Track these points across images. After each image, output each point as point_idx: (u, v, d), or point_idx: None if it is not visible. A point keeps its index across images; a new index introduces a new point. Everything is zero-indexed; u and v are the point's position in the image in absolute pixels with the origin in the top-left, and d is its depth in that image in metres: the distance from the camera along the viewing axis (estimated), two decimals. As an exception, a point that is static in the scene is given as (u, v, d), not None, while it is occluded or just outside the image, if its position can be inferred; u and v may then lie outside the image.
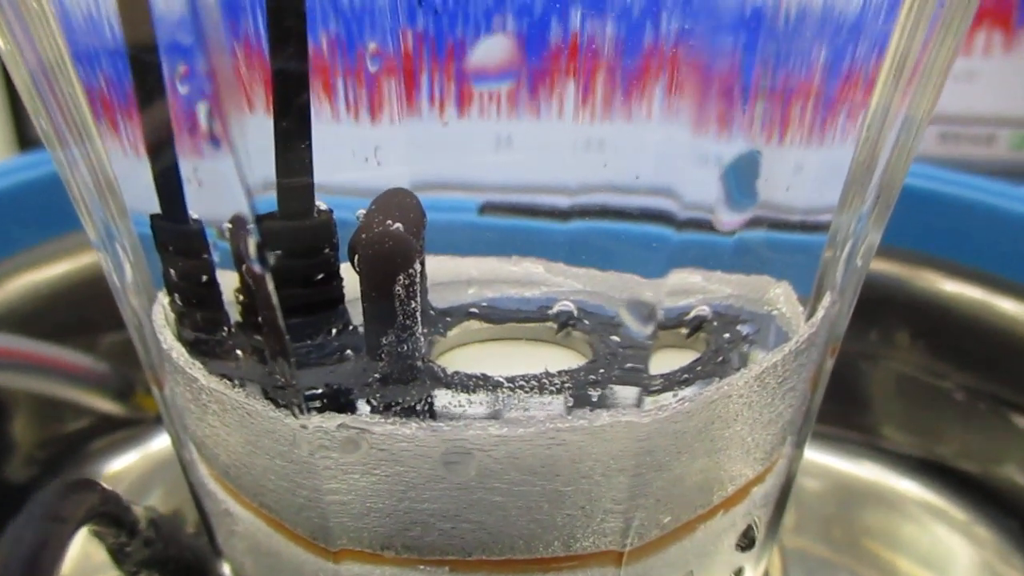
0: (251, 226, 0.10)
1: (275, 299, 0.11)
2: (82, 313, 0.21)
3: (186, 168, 0.12)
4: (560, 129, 0.17)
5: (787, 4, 0.13)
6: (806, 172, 0.14)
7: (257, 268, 0.11)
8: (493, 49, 0.16)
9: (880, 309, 0.15)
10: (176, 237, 0.12)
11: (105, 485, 0.14)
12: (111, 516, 0.14)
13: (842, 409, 0.16)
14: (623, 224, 0.16)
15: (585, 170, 0.17)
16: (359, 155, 0.16)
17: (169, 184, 0.12)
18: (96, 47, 0.12)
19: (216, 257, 0.12)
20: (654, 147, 0.15)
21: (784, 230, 0.15)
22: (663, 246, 0.14)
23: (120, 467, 0.23)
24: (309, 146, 0.13)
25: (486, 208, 0.19)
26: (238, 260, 0.12)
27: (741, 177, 0.13)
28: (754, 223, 0.14)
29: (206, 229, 0.12)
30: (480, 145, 0.18)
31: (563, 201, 0.18)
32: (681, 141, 0.14)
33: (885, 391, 0.22)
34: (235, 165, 0.10)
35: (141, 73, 0.11)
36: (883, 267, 0.20)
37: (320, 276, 0.13)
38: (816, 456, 0.22)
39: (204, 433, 0.14)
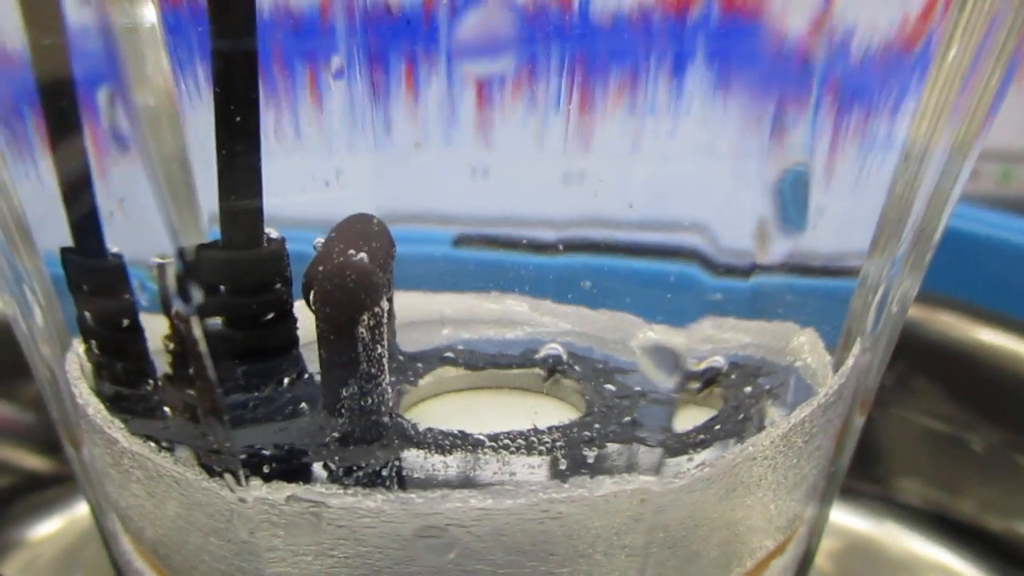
0: (170, 257, 0.08)
1: (203, 345, 0.09)
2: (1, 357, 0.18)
3: (108, 199, 0.10)
4: (541, 160, 0.16)
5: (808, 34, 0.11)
6: (833, 212, 0.13)
7: (180, 307, 0.09)
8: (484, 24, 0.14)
9: (894, 353, 0.14)
10: (92, 274, 0.10)
11: None
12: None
13: (853, 460, 0.14)
14: (638, 262, 0.15)
15: (574, 202, 0.15)
16: (318, 180, 0.14)
17: (83, 211, 0.10)
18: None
19: (143, 299, 0.10)
20: (686, 181, 0.14)
21: (807, 275, 0.13)
22: (696, 289, 0.12)
23: (48, 531, 0.20)
24: (257, 163, 0.11)
25: (461, 240, 0.17)
26: (164, 300, 0.10)
27: (794, 194, 0.11)
28: (773, 267, 0.13)
29: (128, 265, 0.10)
30: (454, 174, 0.16)
31: (549, 234, 0.16)
32: (701, 178, 0.12)
33: (897, 440, 0.21)
34: (153, 190, 0.08)
35: (53, 96, 0.10)
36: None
37: (270, 316, 0.11)
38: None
39: (128, 503, 0.12)
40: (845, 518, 0.20)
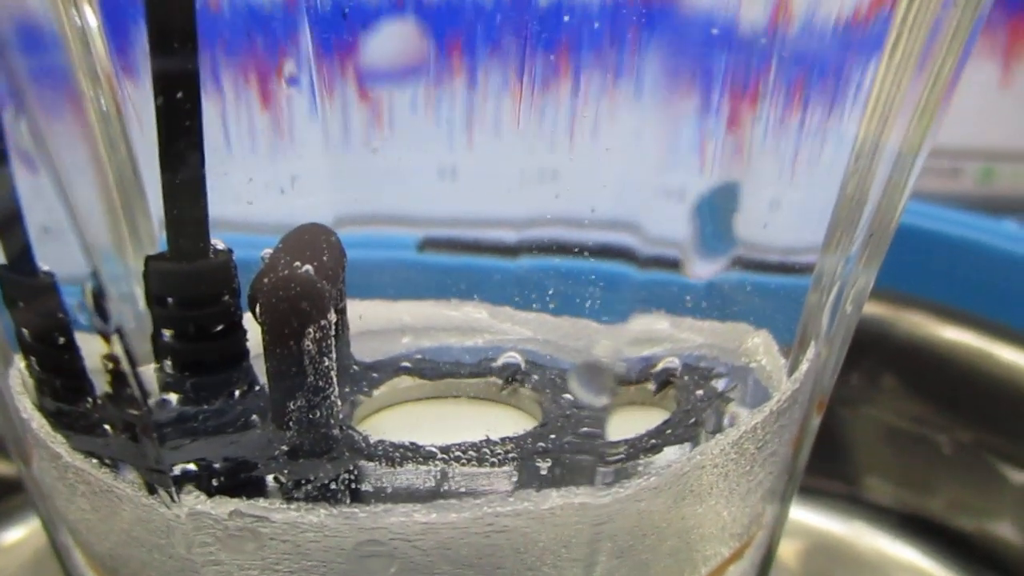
0: (87, 271, 0.08)
1: (127, 362, 0.09)
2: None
3: (44, 214, 0.10)
4: (509, 157, 0.15)
5: (761, 21, 0.11)
6: (785, 208, 0.13)
7: (99, 324, 0.09)
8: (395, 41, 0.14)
9: (861, 352, 0.14)
10: (25, 292, 0.10)
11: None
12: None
13: (819, 460, 0.14)
14: (577, 261, 0.15)
15: (535, 201, 0.15)
16: (273, 185, 0.14)
17: (11, 229, 0.09)
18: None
19: (82, 317, 0.10)
20: (613, 177, 0.14)
21: (762, 271, 0.13)
22: (623, 286, 0.12)
23: (16, 538, 0.20)
24: (202, 171, 0.11)
25: (426, 245, 0.17)
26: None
27: (716, 215, 0.11)
28: (728, 263, 0.13)
29: (64, 283, 0.10)
30: (418, 174, 0.16)
31: (510, 235, 0.16)
32: (644, 170, 0.12)
33: (866, 439, 0.21)
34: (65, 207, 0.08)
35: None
36: (865, 308, 0.18)
37: (218, 328, 0.11)
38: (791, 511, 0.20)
39: (76, 517, 0.12)
40: (814, 518, 0.20)
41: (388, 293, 0.15)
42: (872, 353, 0.20)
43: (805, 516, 0.20)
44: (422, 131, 0.15)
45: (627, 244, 0.12)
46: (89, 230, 0.09)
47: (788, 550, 0.19)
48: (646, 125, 0.13)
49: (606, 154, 0.14)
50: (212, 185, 0.11)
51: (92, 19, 0.11)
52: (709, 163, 0.12)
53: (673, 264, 0.13)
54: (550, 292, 0.15)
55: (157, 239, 0.14)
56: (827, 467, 0.20)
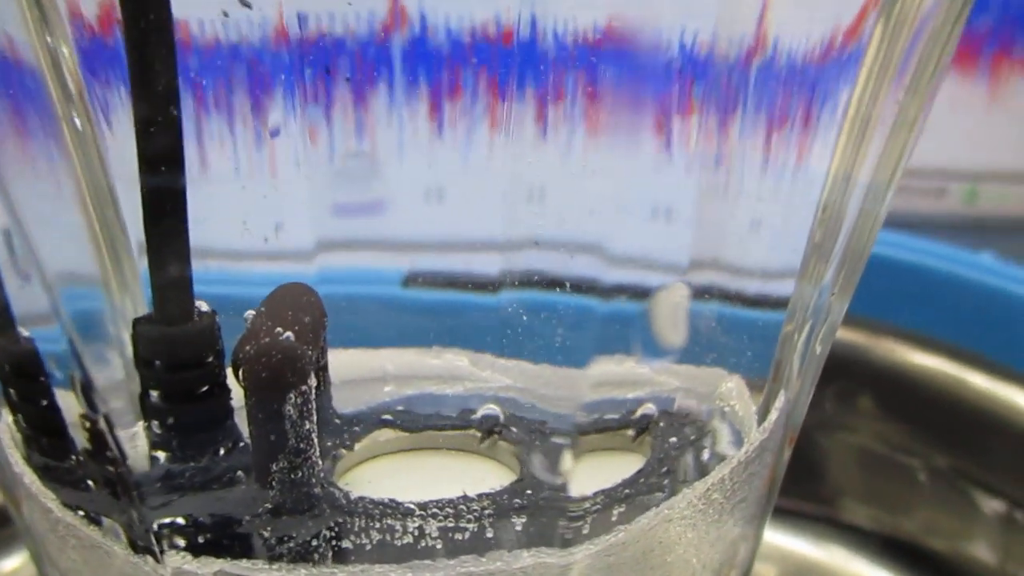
0: (75, 367, 0.09)
1: (113, 442, 0.09)
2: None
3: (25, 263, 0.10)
4: (494, 177, 0.16)
5: (733, 47, 0.11)
6: (761, 233, 0.13)
7: (88, 412, 0.09)
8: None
9: (837, 377, 0.14)
10: (9, 356, 0.10)
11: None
12: None
13: (795, 483, 0.15)
14: (558, 296, 0.15)
15: (518, 223, 0.15)
16: (256, 222, 0.14)
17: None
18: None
19: (58, 373, 0.10)
20: (581, 194, 0.14)
21: (737, 304, 0.13)
22: (586, 322, 0.13)
23: (12, 566, 0.21)
24: (185, 242, 0.11)
25: (410, 280, 0.17)
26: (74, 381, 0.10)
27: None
28: (704, 293, 0.13)
29: (40, 347, 0.10)
30: (402, 196, 0.16)
31: (493, 266, 0.16)
32: (612, 186, 0.12)
33: (841, 464, 0.21)
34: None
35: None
36: (840, 334, 0.19)
37: (203, 389, 0.12)
38: (766, 535, 0.20)
39: (67, 566, 0.12)
40: (789, 541, 0.21)
41: (372, 332, 0.16)
42: (848, 378, 0.21)
43: (780, 539, 0.21)
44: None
45: (589, 275, 0.12)
46: (74, 265, 0.09)
47: (763, 574, 0.20)
48: (623, 148, 0.13)
49: (586, 177, 0.14)
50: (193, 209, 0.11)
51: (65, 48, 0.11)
52: (688, 185, 0.13)
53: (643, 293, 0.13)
54: (530, 328, 0.15)
55: (139, 273, 0.14)
56: (802, 490, 0.21)
